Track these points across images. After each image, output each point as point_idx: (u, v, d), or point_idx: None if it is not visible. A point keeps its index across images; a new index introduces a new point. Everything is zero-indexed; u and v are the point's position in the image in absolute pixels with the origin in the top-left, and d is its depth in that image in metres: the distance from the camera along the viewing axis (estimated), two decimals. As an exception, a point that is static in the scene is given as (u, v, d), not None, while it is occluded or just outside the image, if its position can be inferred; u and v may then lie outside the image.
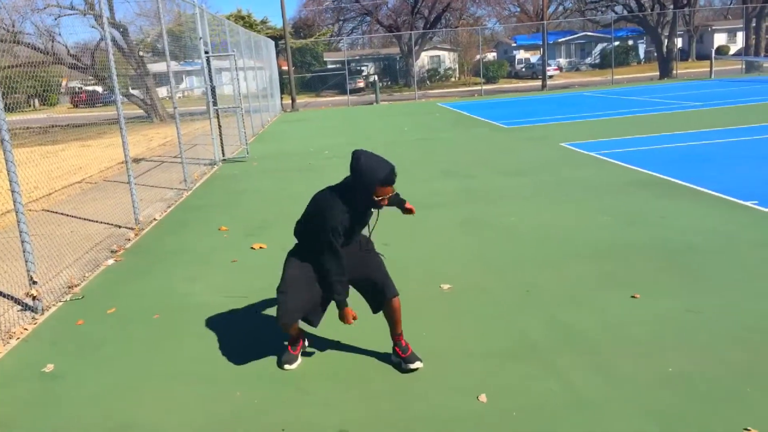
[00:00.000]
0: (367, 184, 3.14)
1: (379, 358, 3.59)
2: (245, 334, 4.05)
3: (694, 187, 7.13)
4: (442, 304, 4.33)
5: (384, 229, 6.36)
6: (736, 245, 5.08)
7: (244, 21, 39.86)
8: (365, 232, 3.55)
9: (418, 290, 4.58)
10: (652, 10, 33.81)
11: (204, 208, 8.12)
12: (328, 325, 4.04)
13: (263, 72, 22.19)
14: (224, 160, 12.23)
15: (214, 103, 11.85)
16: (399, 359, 3.49)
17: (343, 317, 3.32)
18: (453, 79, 47.79)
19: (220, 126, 12.22)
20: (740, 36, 43.09)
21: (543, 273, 4.78)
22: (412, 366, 3.43)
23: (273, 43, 27.23)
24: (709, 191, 6.87)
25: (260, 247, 6.01)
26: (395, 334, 3.52)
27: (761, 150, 9.18)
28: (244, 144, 12.92)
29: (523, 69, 47.02)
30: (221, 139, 12.29)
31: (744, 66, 32.50)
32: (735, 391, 2.99)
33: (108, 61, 6.95)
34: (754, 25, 33.01)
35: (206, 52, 11.64)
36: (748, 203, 6.24)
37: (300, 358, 3.59)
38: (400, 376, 3.38)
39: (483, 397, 3.08)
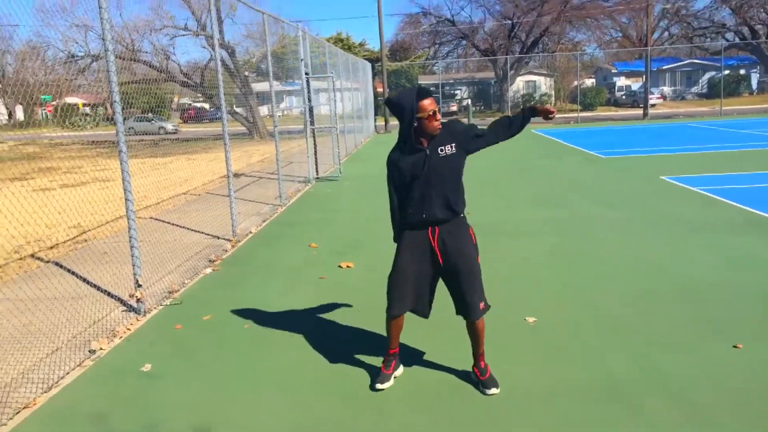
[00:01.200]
0: (408, 107, 3.20)
1: (461, 378, 3.58)
2: (330, 350, 4.15)
3: (810, 229, 6.62)
4: (526, 337, 4.25)
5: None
6: None
7: (343, 43, 41.14)
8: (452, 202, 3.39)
9: (501, 321, 4.52)
10: (767, 37, 31.85)
11: (296, 224, 8.41)
12: (414, 341, 4.07)
13: (359, 93, 22.76)
14: (318, 178, 12.61)
15: (311, 123, 12.28)
16: (477, 380, 3.50)
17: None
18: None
19: (315, 145, 12.63)
20: None
21: (635, 311, 4.59)
22: (489, 392, 3.42)
23: (369, 65, 27.90)
24: (827, 235, 6.36)
25: (348, 266, 6.15)
26: (477, 353, 3.54)
27: None
28: (338, 164, 13.28)
29: (624, 96, 45.49)
30: (316, 158, 12.69)
31: None
32: None
33: (217, 80, 7.39)
34: None
35: (306, 73, 12.10)
36: None
37: (393, 380, 3.62)
38: (481, 405, 3.34)
39: (565, 437, 3.00)
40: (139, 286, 5.08)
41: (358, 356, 4.02)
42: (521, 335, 4.27)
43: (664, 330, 4.22)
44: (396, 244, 3.49)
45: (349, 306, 4.97)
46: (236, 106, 24.03)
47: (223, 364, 4.04)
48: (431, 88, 3.41)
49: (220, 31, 24.13)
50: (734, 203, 8.24)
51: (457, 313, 3.51)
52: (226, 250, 6.97)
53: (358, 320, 4.66)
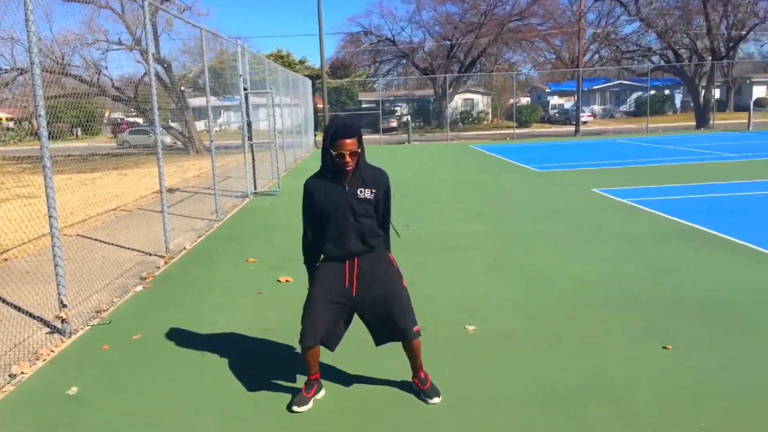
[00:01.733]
0: (325, 139, 3.17)
1: (400, 389, 3.53)
2: (266, 368, 4.02)
3: (731, 239, 6.96)
4: (466, 345, 4.25)
5: (411, 268, 6.33)
6: (774, 300, 4.90)
7: (284, 60, 40.96)
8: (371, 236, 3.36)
9: (442, 330, 4.52)
10: (690, 60, 33.71)
11: (233, 239, 8.20)
12: (343, 358, 4.00)
13: (299, 109, 22.63)
14: (255, 193, 12.40)
15: (250, 138, 12.09)
16: (418, 390, 3.48)
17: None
18: (485, 122, 48.06)
19: (254, 160, 12.43)
20: (780, 89, 42.59)
21: (572, 320, 4.67)
22: (431, 401, 3.40)
23: (310, 82, 27.83)
24: (747, 243, 6.69)
25: (286, 280, 6.02)
26: (415, 366, 3.50)
27: (801, 204, 8.95)
28: (276, 178, 13.10)
29: (557, 114, 47.10)
30: (254, 173, 12.49)
31: (784, 119, 31.98)
32: (772, 453, 2.84)
33: (150, 94, 7.17)
34: (794, 78, 32.58)
35: (245, 89, 11.94)
36: (787, 257, 6.06)
37: (311, 402, 3.50)
38: (418, 416, 3.30)
39: (505, 445, 2.99)
40: (64, 306, 4.80)
41: (294, 374, 3.92)
42: (461, 344, 4.26)
43: (599, 337, 4.31)
44: (308, 272, 3.47)
45: (286, 321, 4.85)
46: (171, 121, 23.47)
47: (153, 385, 3.85)
48: (358, 124, 3.27)
49: (156, 46, 23.57)
50: (660, 213, 8.59)
51: (378, 342, 3.48)
52: (159, 267, 6.71)
53: (295, 337, 4.54)
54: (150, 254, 7.22)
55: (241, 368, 4.02)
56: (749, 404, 3.29)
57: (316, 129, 31.23)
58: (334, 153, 3.13)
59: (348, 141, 3.10)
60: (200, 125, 25.85)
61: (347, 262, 3.32)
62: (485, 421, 3.23)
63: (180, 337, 4.63)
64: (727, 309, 4.75)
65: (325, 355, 3.59)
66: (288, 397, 3.58)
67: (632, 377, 3.66)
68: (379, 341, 3.47)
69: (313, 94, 32.23)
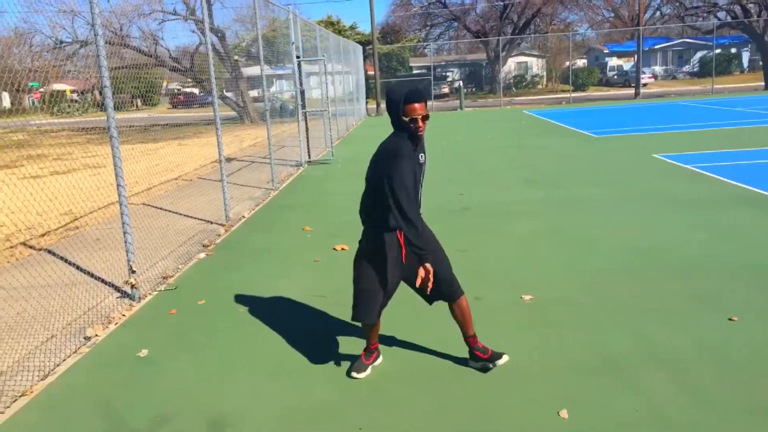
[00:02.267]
0: (395, 107, 3.11)
1: (456, 362, 3.59)
2: (324, 334, 4.15)
3: (802, 205, 6.66)
4: (522, 314, 4.26)
5: (464, 236, 6.34)
6: None
7: (334, 27, 40.78)
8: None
9: (498, 299, 4.53)
10: (758, 16, 31.78)
11: (289, 208, 8.37)
12: (404, 324, 4.08)
13: (350, 76, 22.61)
14: (310, 162, 12.55)
15: (303, 107, 12.19)
16: (482, 361, 3.48)
17: (428, 272, 3.13)
18: (540, 86, 46.86)
19: (307, 129, 12.56)
20: None
21: (630, 287, 4.60)
22: (500, 362, 3.46)
23: (360, 48, 27.69)
24: (819, 210, 6.40)
25: (342, 248, 6.13)
26: (469, 337, 3.49)
27: None
28: (330, 147, 13.22)
29: (615, 76, 45.41)
30: (308, 142, 12.62)
31: None
32: (842, 427, 2.77)
33: (208, 64, 7.30)
34: None
35: (297, 57, 11.99)
36: None
37: (370, 369, 3.59)
38: (479, 384, 3.35)
39: (564, 413, 3.01)
40: (133, 272, 5.05)
41: (351, 341, 4.03)
42: (517, 313, 4.27)
43: (659, 305, 4.24)
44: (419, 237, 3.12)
45: (343, 287, 4.96)
46: (226, 91, 23.86)
47: (218, 349, 4.03)
48: (419, 87, 3.22)
49: (210, 15, 23.87)
50: (724, 179, 8.27)
51: (436, 300, 3.47)
52: (220, 235, 6.94)
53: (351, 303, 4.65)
54: (211, 222, 7.46)
55: (300, 333, 4.16)
56: (818, 377, 3.20)
57: (367, 96, 31.16)
58: (407, 119, 3.11)
59: (419, 105, 3.09)
60: (254, 94, 26.17)
61: (398, 231, 3.29)
62: (544, 388, 3.26)
63: (242, 302, 4.81)
64: (796, 279, 4.58)
65: (385, 326, 3.67)
66: (346, 362, 3.70)
67: (692, 346, 3.60)
68: (432, 300, 3.49)
69: (364, 61, 32.08)
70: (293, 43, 11.80)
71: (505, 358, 3.47)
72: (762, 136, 12.40)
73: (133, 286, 5.01)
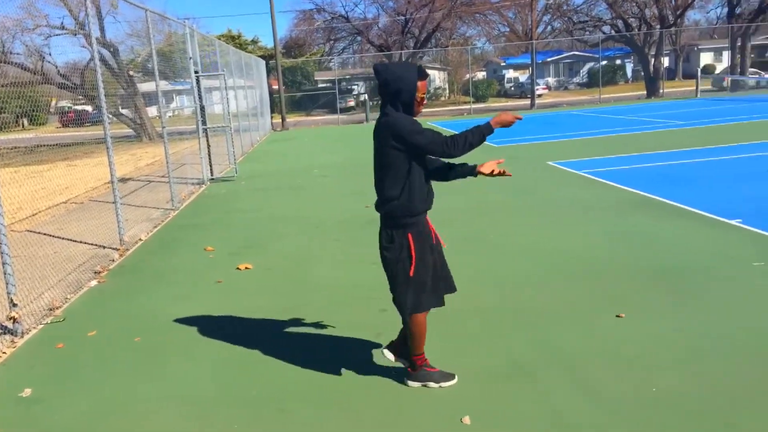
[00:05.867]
0: (409, 82, 3.02)
1: (362, 373, 3.54)
2: (228, 356, 3.99)
3: (681, 206, 7.16)
4: (430, 323, 4.27)
5: (373, 249, 6.34)
6: (722, 264, 5.08)
7: (235, 41, 40.08)
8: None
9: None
10: (639, 30, 34.29)
11: (190, 228, 8.06)
12: (307, 339, 4.00)
13: (253, 91, 22.25)
14: (212, 179, 12.19)
15: (203, 123, 11.84)
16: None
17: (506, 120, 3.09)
18: (443, 98, 48.13)
19: (209, 145, 12.20)
20: (726, 55, 43.75)
21: (531, 292, 4.75)
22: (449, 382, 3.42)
23: (263, 62, 27.34)
24: (696, 210, 6.90)
25: (246, 268, 5.96)
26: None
27: (743, 169, 9.26)
28: (233, 163, 12.90)
29: (512, 88, 47.44)
30: (210, 159, 12.26)
31: (729, 84, 32.93)
32: (720, 412, 2.96)
33: (96, 80, 6.94)
34: (739, 44, 33.50)
35: (196, 72, 11.65)
36: (732, 222, 6.27)
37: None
38: (385, 393, 3.32)
39: (467, 419, 3.04)
40: (14, 305, 4.65)
41: (257, 361, 3.89)
42: (430, 321, 4.27)
43: (558, 309, 4.39)
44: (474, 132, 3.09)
45: (247, 309, 4.81)
46: (122, 108, 22.80)
47: (110, 381, 3.77)
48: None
49: (101, 29, 22.76)
50: (612, 183, 8.77)
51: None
52: (113, 260, 6.56)
53: (256, 324, 4.51)
54: (104, 247, 7.04)
55: (201, 357, 3.98)
56: (697, 368, 3.42)
57: (272, 111, 30.77)
58: (418, 96, 3.07)
59: (425, 83, 3.08)
60: (153, 111, 25.17)
61: (426, 217, 3.29)
62: (449, 395, 3.27)
63: (138, 330, 4.55)
64: (679, 275, 4.90)
65: (289, 344, 3.55)
66: (254, 386, 3.56)
67: (590, 346, 3.75)
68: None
69: (268, 75, 31.71)
70: (191, 58, 11.46)
71: (454, 381, 3.42)
72: (645, 142, 13.31)
73: (14, 321, 4.62)
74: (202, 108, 11.85)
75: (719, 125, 15.82)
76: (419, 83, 3.05)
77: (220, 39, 27.69)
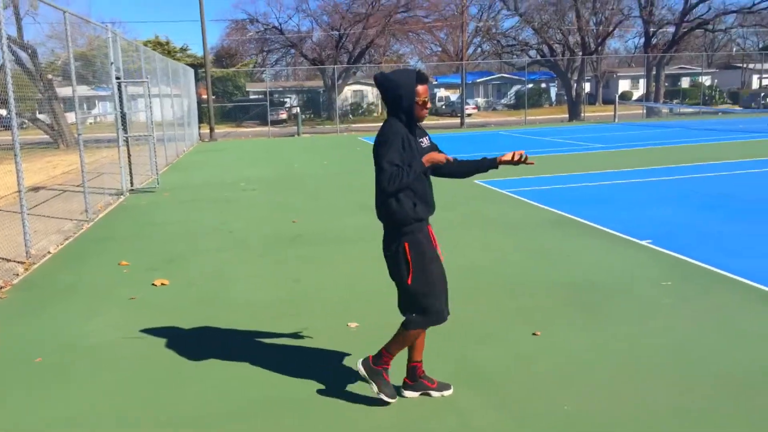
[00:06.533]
0: (408, 88, 3.07)
1: (278, 393, 3.44)
2: (136, 377, 3.79)
3: (597, 226, 7.44)
4: (346, 342, 4.23)
5: (296, 265, 6.24)
6: (632, 283, 5.29)
7: (163, 48, 39.01)
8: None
9: (324, 327, 4.47)
10: (562, 55, 35.78)
11: (105, 240, 7.70)
12: (222, 359, 3.87)
13: (181, 100, 21.66)
14: (132, 190, 11.72)
15: (124, 131, 11.40)
16: (425, 389, 3.42)
17: (436, 159, 3.14)
18: (376, 114, 48.48)
19: (129, 155, 11.74)
20: (642, 83, 46.25)
21: (453, 307, 4.77)
22: (447, 392, 3.41)
23: (192, 71, 26.71)
24: (611, 230, 7.18)
25: (162, 284, 5.73)
26: (415, 362, 3.42)
27: (655, 191, 9.75)
28: (156, 174, 12.46)
29: (443, 106, 48.39)
30: (130, 168, 11.79)
31: (645, 111, 34.82)
32: (628, 430, 3.05)
33: (6, 83, 6.56)
34: (654, 73, 35.52)
35: (117, 78, 11.22)
36: (643, 242, 6.56)
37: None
38: (304, 410, 3.24)
39: (382, 442, 3.00)
40: None
41: (169, 382, 3.72)
42: (340, 341, 4.22)
43: (477, 325, 4.44)
44: (411, 173, 3.05)
45: (161, 327, 4.61)
46: (39, 112, 21.68)
47: (9, 404, 3.50)
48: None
49: (19, 29, 21.65)
50: (535, 203, 9.04)
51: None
52: (18, 275, 6.15)
53: (169, 343, 4.33)
54: (8, 260, 6.60)
55: (106, 380, 3.76)
56: (607, 385, 3.52)
57: (200, 121, 30.07)
58: (419, 101, 3.10)
59: (426, 87, 3.11)
60: (72, 117, 24.05)
61: (428, 226, 3.27)
62: (367, 417, 3.22)
63: (39, 350, 4.26)
64: (593, 293, 5.07)
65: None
66: (166, 411, 3.39)
67: (506, 362, 3.80)
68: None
69: (197, 84, 31.00)
70: (112, 63, 11.03)
71: (450, 390, 3.41)
72: (566, 163, 13.82)
73: None
74: (123, 115, 11.40)
75: (634, 149, 16.66)
76: (419, 88, 3.11)
77: (146, 45, 26.88)
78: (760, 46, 54.58)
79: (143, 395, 3.57)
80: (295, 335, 4.36)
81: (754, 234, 6.77)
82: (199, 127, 28.88)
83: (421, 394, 3.42)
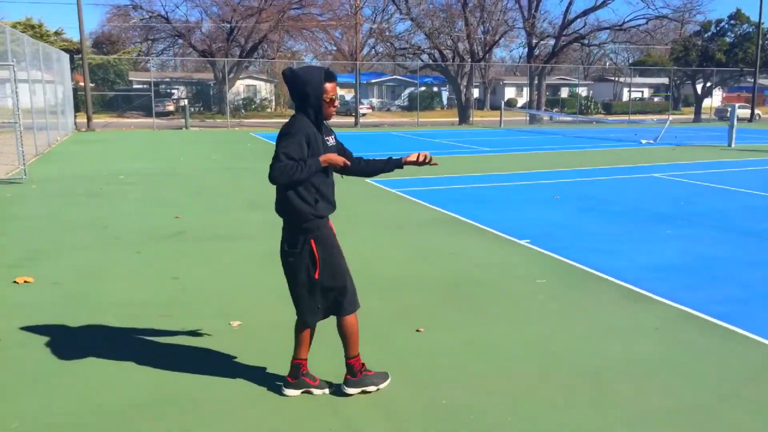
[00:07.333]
0: (315, 85, 3.06)
1: (148, 399, 3.26)
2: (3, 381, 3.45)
3: (481, 226, 7.72)
4: (227, 341, 4.09)
5: (178, 261, 5.96)
6: (510, 280, 5.54)
7: (35, 30, 36.02)
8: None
9: (205, 326, 4.31)
10: (452, 61, 36.97)
11: (-40, 235, 6.98)
12: (87, 363, 3.62)
13: (53, 86, 20.11)
14: (-5, 181, 10.73)
15: (-14, 116, 10.40)
16: (360, 383, 3.39)
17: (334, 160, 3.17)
18: (269, 110, 47.66)
19: (-8, 142, 10.73)
20: (526, 91, 48.79)
21: (336, 308, 4.76)
22: (384, 384, 3.42)
23: (67, 56, 24.89)
24: (493, 230, 7.47)
25: (25, 281, 5.27)
26: (351, 357, 3.37)
27: (535, 194, 10.30)
28: (23, 164, 11.48)
29: (338, 105, 48.45)
30: (-7, 157, 10.78)
31: (528, 118, 36.76)
32: (497, 422, 3.17)
33: None
34: (536, 82, 37.56)
35: (-23, 58, 10.21)
36: (522, 242, 6.89)
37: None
38: (176, 414, 3.08)
39: (260, 443, 2.92)
40: None
41: (23, 390, 3.41)
42: (222, 340, 4.08)
43: (361, 323, 4.44)
44: (309, 165, 3.06)
45: (22, 329, 4.23)
46: None
47: None
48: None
49: None
50: (423, 202, 9.24)
51: (340, 307, 3.34)
52: None
53: (30, 345, 3.98)
54: None
55: (-47, 390, 3.39)
56: (484, 379, 3.64)
57: (77, 110, 28.11)
58: (326, 98, 3.11)
59: (334, 85, 3.13)
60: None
61: (329, 222, 3.28)
62: (235, 417, 3.13)
63: None
64: (472, 289, 5.24)
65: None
66: (13, 417, 3.10)
67: (386, 360, 3.83)
68: (326, 314, 3.34)
69: (73, 71, 28.95)
70: (-29, 41, 10.02)
71: (389, 381, 3.43)
72: (453, 165, 14.27)
73: None
74: (-14, 99, 10.41)
75: (518, 153, 17.52)
76: (327, 85, 3.10)
77: (17, 27, 24.75)
78: (630, 61, 59.33)
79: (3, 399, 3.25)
80: (173, 334, 4.16)
81: (623, 235, 7.31)
82: (75, 116, 27.00)
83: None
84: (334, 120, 31.99)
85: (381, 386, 3.42)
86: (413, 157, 3.37)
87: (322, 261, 3.19)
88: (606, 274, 5.67)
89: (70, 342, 4.07)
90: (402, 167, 3.44)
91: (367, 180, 11.45)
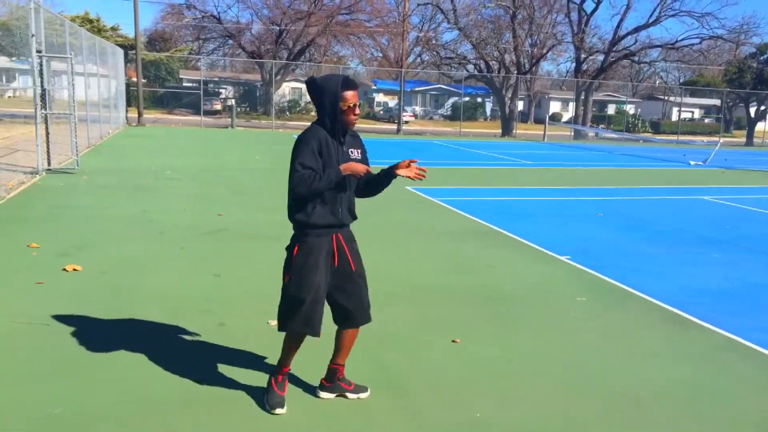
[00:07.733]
0: (332, 94, 3.02)
1: (187, 392, 3.33)
2: (39, 368, 3.58)
3: (520, 239, 7.65)
4: (265, 340, 4.15)
5: (219, 259, 6.08)
6: (549, 297, 5.47)
7: (93, 25, 37.26)
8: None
9: (243, 325, 4.38)
10: (498, 72, 36.75)
11: (15, 221, 7.25)
12: (128, 353, 3.72)
13: (108, 80, 20.76)
14: (49, 170, 11.12)
15: (43, 107, 10.80)
16: (343, 389, 3.40)
17: (354, 169, 3.08)
18: (313, 113, 48.15)
19: (48, 132, 11.13)
20: (571, 106, 48.17)
21: (373, 312, 4.77)
22: (364, 395, 3.40)
23: (122, 52, 25.67)
24: (533, 245, 7.40)
25: (74, 269, 5.45)
26: (338, 364, 3.41)
27: (576, 210, 10.15)
28: (75, 155, 11.87)
29: (381, 111, 48.66)
30: (48, 147, 11.18)
31: (573, 133, 36.25)
32: (534, 437, 3.13)
33: None
34: (583, 97, 37.04)
35: (38, 51, 10.62)
36: (562, 258, 6.80)
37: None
38: (213, 410, 3.14)
39: (293, 443, 2.95)
40: None
41: (69, 375, 3.53)
42: (259, 340, 4.15)
43: (392, 330, 4.46)
44: (325, 178, 3.00)
45: (70, 315, 4.38)
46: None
47: None
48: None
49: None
50: (463, 213, 9.21)
51: (345, 319, 3.33)
52: None
53: (74, 332, 4.11)
54: None
55: (4, 369, 3.53)
56: (518, 393, 3.61)
57: (129, 104, 28.94)
58: (344, 106, 3.04)
59: (354, 93, 3.06)
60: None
61: (334, 235, 3.19)
62: (271, 417, 3.17)
63: (-72, 334, 3.96)
64: (510, 304, 5.20)
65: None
66: (57, 402, 3.21)
67: (420, 370, 3.83)
68: (347, 317, 3.34)
69: (127, 66, 29.83)
70: (33, 35, 10.43)
71: (367, 393, 3.41)
72: (495, 177, 14.19)
73: None
74: (44, 91, 10.81)
75: (561, 168, 17.29)
76: (346, 93, 3.05)
77: (75, 20, 25.63)
78: (681, 80, 58.00)
79: (36, 388, 3.36)
80: (212, 331, 4.25)
81: (667, 257, 7.15)
82: (127, 111, 27.79)
83: (337, 396, 3.40)
84: (377, 126, 32.24)
85: (362, 396, 3.40)
86: (403, 165, 3.25)
87: (295, 267, 3.16)
88: (647, 295, 5.55)
89: (114, 332, 4.18)
90: (395, 176, 3.30)
91: (406, 187, 11.48)
